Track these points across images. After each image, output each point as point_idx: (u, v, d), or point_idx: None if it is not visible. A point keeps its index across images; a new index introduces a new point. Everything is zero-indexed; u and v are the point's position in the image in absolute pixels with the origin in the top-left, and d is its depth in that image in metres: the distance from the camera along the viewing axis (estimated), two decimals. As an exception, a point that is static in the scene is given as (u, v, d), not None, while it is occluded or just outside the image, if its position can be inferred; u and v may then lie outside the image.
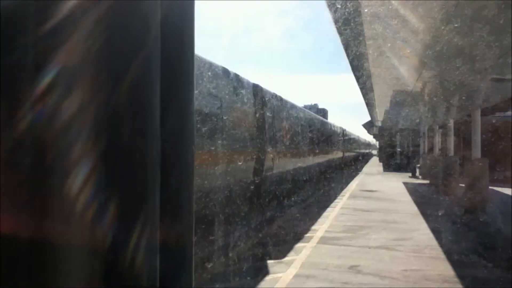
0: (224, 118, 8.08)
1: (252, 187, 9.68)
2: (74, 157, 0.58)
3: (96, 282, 0.59)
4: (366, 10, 5.95)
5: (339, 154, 30.56)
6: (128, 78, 0.61)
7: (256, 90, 10.47)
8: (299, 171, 15.04)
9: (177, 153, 0.68)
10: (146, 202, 0.63)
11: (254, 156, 9.80)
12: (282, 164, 12.45)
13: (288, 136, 13.69)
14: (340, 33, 7.17)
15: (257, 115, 10.27)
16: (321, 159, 21.26)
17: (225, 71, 8.53)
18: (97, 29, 0.59)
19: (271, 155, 11.29)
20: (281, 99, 13.06)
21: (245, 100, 9.54)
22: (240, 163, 8.85)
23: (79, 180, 0.58)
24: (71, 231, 0.58)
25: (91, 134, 0.58)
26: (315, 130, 19.77)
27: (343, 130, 33.44)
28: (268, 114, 11.16)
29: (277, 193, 11.45)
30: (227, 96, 8.38)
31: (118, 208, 0.60)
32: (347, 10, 6.03)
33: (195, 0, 0.73)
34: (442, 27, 6.39)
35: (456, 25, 6.18)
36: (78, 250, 0.59)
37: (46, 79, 0.57)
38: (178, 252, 0.68)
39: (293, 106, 15.41)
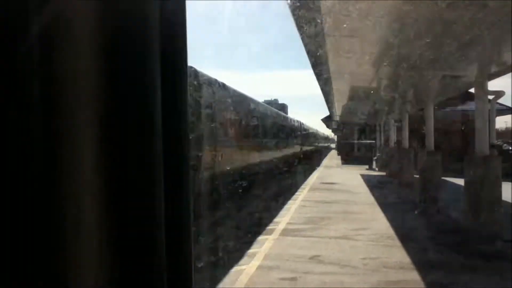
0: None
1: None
2: (74, 158, 0.58)
3: (100, 283, 0.59)
4: (325, 7, 6.09)
5: (297, 148, 29.55)
6: (129, 78, 0.61)
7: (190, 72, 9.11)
8: (253, 167, 14.36)
9: (175, 153, 0.68)
10: (149, 202, 0.63)
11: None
12: (229, 160, 11.58)
13: (236, 130, 12.85)
14: (300, 30, 7.30)
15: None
16: (277, 153, 20.56)
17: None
18: (99, 27, 0.59)
19: (212, 152, 10.22)
20: (224, 86, 11.64)
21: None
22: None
23: (79, 181, 0.58)
24: (73, 232, 0.58)
25: (92, 135, 0.58)
26: (270, 123, 18.84)
27: (301, 124, 32.65)
28: (203, 101, 9.71)
29: (231, 190, 11.20)
30: None
31: (121, 208, 0.60)
32: (307, 7, 6.15)
33: None
34: (397, 26, 6.64)
35: (410, 24, 6.44)
36: (82, 252, 0.59)
37: (45, 79, 0.57)
38: (178, 253, 0.68)
39: (242, 96, 14.21)
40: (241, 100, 13.94)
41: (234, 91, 12.82)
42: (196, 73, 9.31)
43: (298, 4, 6.11)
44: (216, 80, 10.94)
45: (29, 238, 0.56)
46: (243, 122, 14.07)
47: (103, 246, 0.59)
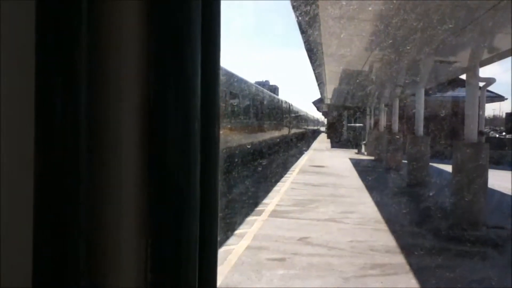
0: None
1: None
2: (119, 156, 0.60)
3: (139, 279, 0.60)
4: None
5: (285, 131, 28.46)
6: (171, 78, 0.63)
7: None
8: (236, 148, 14.13)
9: (207, 149, 0.69)
10: (187, 199, 0.64)
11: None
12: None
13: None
14: (295, 10, 7.23)
15: None
16: (261, 136, 19.66)
17: None
18: (144, 28, 0.61)
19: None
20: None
21: None
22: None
23: (121, 177, 0.60)
24: (113, 227, 0.60)
25: (135, 132, 0.60)
26: (256, 103, 18.17)
27: (289, 105, 31.64)
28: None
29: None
30: None
31: (160, 204, 0.62)
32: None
33: None
34: (389, 10, 6.61)
35: (402, 9, 6.41)
36: (118, 248, 0.60)
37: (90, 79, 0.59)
38: (203, 250, 0.68)
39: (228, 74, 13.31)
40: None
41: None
42: None
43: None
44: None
45: (70, 236, 0.57)
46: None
47: (144, 243, 0.60)
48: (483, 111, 9.03)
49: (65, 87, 0.56)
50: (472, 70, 8.72)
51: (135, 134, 0.60)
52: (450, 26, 6.99)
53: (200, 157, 0.66)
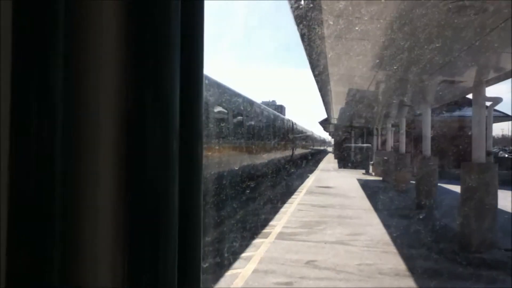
0: None
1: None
2: (92, 157, 0.59)
3: (115, 281, 0.60)
4: (325, 8, 6.06)
5: (288, 152, 25.70)
6: (151, 78, 0.62)
7: None
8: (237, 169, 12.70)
9: (188, 152, 0.69)
10: (165, 201, 0.64)
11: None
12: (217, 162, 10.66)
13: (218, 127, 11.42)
14: (300, 30, 7.27)
15: None
16: (263, 157, 17.63)
17: None
18: (123, 29, 0.60)
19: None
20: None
21: None
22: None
23: (95, 179, 0.59)
24: (86, 229, 0.59)
25: (110, 134, 0.60)
26: (259, 122, 16.90)
27: (292, 124, 28.93)
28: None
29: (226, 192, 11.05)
30: None
31: (138, 205, 0.61)
32: (307, 7, 6.12)
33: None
34: (396, 31, 6.62)
35: (408, 30, 6.42)
36: (92, 249, 0.59)
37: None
38: (187, 252, 0.69)
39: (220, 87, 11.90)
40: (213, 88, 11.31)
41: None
42: None
43: (299, 4, 6.07)
44: None
45: (47, 238, 0.57)
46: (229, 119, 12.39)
47: (122, 245, 0.60)
48: (491, 131, 8.94)
49: (42, 88, 0.56)
50: (478, 89, 8.67)
51: (113, 135, 0.59)
52: (456, 45, 6.99)
53: (182, 161, 0.65)
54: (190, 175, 0.69)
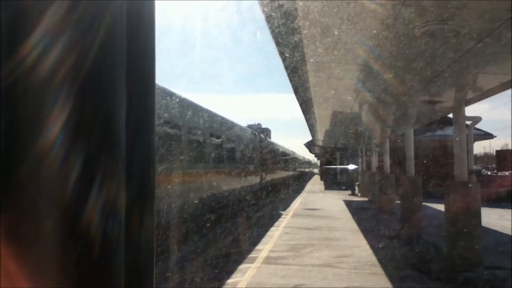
0: None
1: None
2: (37, 165, 0.58)
3: (63, 280, 0.59)
4: (305, 32, 6.16)
5: (272, 175, 22.71)
6: (94, 79, 0.61)
7: None
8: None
9: (139, 153, 0.68)
10: (114, 199, 0.63)
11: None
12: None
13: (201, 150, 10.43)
14: (281, 56, 7.37)
15: None
16: (245, 181, 15.70)
17: None
18: (63, 30, 0.59)
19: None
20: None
21: None
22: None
23: (40, 188, 0.58)
24: (31, 232, 0.58)
25: (54, 144, 0.58)
26: (243, 145, 15.44)
27: (275, 146, 25.44)
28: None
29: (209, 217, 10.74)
30: None
31: (96, 201, 0.60)
32: (289, 35, 6.21)
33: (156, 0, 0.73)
34: (375, 55, 6.76)
35: (388, 53, 6.56)
36: (40, 253, 0.58)
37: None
38: (140, 252, 0.68)
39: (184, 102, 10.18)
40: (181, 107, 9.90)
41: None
42: None
43: (279, 29, 6.17)
44: None
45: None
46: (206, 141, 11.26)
47: (60, 246, 0.58)
48: (472, 150, 9.08)
49: None
50: (457, 109, 8.85)
51: (58, 128, 0.58)
52: (435, 66, 7.14)
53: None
54: (140, 174, 0.68)
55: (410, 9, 4.94)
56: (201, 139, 11.09)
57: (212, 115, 12.79)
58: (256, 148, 18.95)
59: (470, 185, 8.07)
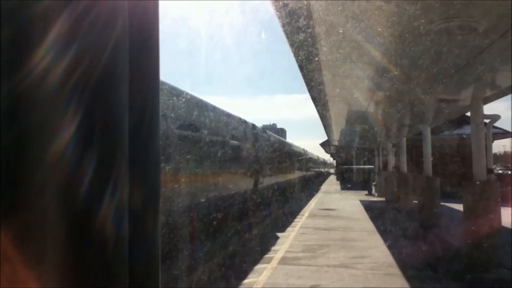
0: None
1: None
2: (42, 163, 0.58)
3: (66, 280, 0.59)
4: (317, 30, 6.13)
5: (290, 175, 22.81)
6: (103, 84, 0.61)
7: None
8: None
9: (144, 151, 0.69)
10: (119, 200, 0.63)
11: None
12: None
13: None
14: (296, 56, 7.35)
15: None
16: (261, 181, 14.68)
17: None
18: (65, 30, 0.59)
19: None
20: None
21: None
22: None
23: (45, 184, 0.58)
24: (36, 232, 0.58)
25: (58, 142, 0.59)
26: (257, 146, 13.86)
27: (290, 146, 25.35)
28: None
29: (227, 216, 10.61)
30: None
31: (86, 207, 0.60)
32: (302, 35, 6.19)
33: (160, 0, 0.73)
34: (392, 52, 6.69)
35: (404, 51, 6.49)
36: (46, 251, 0.58)
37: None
38: (145, 251, 0.68)
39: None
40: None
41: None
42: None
43: (293, 29, 6.15)
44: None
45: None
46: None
47: (66, 247, 0.59)
48: (491, 148, 8.92)
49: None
50: (475, 108, 8.69)
51: (53, 129, 0.58)
52: (452, 64, 7.04)
53: (135, 154, 0.64)
54: (144, 172, 0.68)
55: (427, 6, 4.88)
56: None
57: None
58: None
59: (488, 184, 7.92)
